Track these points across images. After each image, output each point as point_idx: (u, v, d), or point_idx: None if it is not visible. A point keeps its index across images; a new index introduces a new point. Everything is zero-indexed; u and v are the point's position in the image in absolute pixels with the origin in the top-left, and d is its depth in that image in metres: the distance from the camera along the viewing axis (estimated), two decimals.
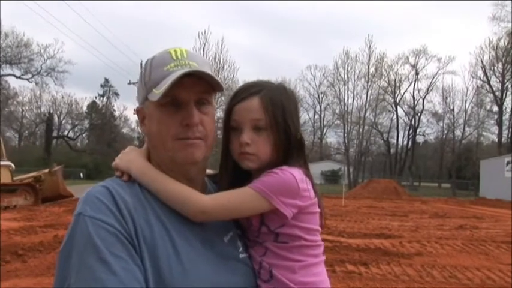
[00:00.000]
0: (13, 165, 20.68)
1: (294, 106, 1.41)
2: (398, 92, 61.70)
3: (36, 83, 59.16)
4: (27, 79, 57.45)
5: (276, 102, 1.35)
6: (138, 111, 1.38)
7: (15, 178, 20.42)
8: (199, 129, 1.27)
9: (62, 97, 65.85)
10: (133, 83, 46.46)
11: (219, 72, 45.65)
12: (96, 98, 72.99)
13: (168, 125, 1.26)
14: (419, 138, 66.31)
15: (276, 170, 1.30)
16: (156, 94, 1.22)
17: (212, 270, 1.23)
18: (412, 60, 61.09)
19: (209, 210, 1.26)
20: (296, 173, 1.30)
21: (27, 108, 66.19)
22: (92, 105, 71.40)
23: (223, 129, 1.40)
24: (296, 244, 1.32)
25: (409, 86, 61.87)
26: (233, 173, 1.40)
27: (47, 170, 21.06)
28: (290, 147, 1.36)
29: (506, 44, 51.89)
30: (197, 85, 1.25)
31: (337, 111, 62.25)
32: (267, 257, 1.33)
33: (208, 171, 1.52)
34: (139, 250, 1.14)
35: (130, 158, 1.34)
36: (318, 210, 1.38)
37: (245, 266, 1.34)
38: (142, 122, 1.36)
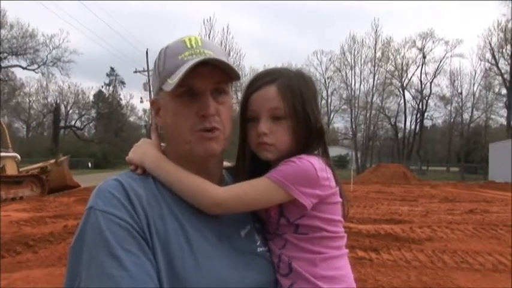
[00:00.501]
0: (19, 157, 20.75)
1: (313, 94, 1.35)
2: (405, 76, 61.41)
3: (43, 74, 59.33)
4: (34, 70, 57.60)
5: (294, 89, 1.30)
6: (152, 103, 1.33)
7: (21, 169, 20.46)
8: (216, 119, 1.22)
9: (69, 87, 66.26)
10: (139, 72, 46.60)
11: None
12: (102, 87, 73.38)
13: (184, 116, 1.21)
14: (427, 122, 66.11)
15: (293, 158, 1.25)
16: (170, 84, 1.18)
17: (228, 265, 1.19)
18: (419, 44, 60.64)
19: (224, 202, 1.20)
20: (315, 161, 1.25)
21: (34, 99, 66.55)
22: (99, 95, 71.66)
23: (240, 119, 1.35)
24: (317, 235, 1.26)
25: (416, 70, 61.57)
26: (251, 166, 1.35)
27: (53, 161, 20.99)
28: (310, 137, 1.31)
29: None
30: (213, 74, 1.20)
31: (344, 96, 62.14)
32: (287, 250, 1.28)
33: (226, 163, 1.47)
34: (151, 245, 1.11)
35: (143, 151, 1.30)
36: (339, 200, 1.32)
37: (263, 260, 1.29)
38: (157, 113, 1.31)
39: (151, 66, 43.75)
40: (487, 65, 55.80)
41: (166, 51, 1.26)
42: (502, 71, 53.46)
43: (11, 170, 19.39)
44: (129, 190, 1.15)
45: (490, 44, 54.04)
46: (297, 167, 1.23)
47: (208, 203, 1.20)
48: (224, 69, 1.21)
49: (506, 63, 53.38)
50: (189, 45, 1.24)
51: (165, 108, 1.26)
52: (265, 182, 1.23)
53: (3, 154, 19.33)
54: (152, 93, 1.36)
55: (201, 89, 1.21)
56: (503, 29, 52.34)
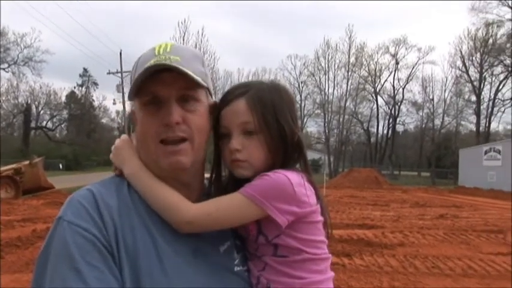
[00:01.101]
0: None
1: (289, 105, 1.28)
2: (378, 81, 62.03)
3: (13, 73, 58.13)
4: (4, 69, 56.35)
5: (265, 101, 1.23)
6: (132, 114, 1.29)
7: None
8: (182, 128, 1.16)
9: (40, 87, 64.85)
10: (113, 73, 45.99)
11: None
12: (75, 88, 72.35)
13: (149, 125, 1.17)
14: (399, 128, 66.85)
15: (269, 172, 1.18)
16: (130, 94, 1.15)
17: (201, 283, 1.14)
18: (392, 50, 61.34)
19: (195, 220, 1.15)
20: (292, 176, 1.18)
21: (4, 98, 64.75)
22: (71, 95, 70.56)
23: (213, 136, 1.29)
24: (297, 258, 1.19)
25: (389, 76, 62.17)
26: (231, 184, 1.28)
27: (27, 162, 20.73)
28: (287, 151, 1.24)
29: (484, 34, 52.46)
30: (177, 81, 1.15)
31: (317, 100, 62.44)
32: (266, 272, 1.22)
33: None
34: (118, 260, 1.07)
35: (123, 157, 1.26)
36: (320, 219, 1.24)
37: (240, 280, 1.24)
38: (136, 124, 1.27)
39: (124, 68, 43.45)
40: (458, 72, 56.97)
41: (139, 59, 1.24)
42: (472, 79, 54.62)
43: None
44: (99, 201, 1.12)
45: (461, 52, 55.19)
46: (271, 181, 1.16)
47: (179, 220, 1.15)
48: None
49: (476, 70, 54.54)
50: (156, 52, 1.20)
51: (136, 117, 1.23)
52: (237, 197, 1.17)
53: None
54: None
55: (164, 96, 1.16)
56: (473, 38, 53.54)
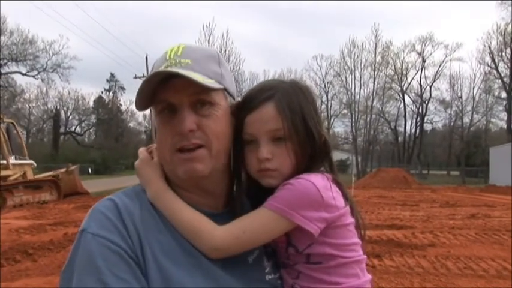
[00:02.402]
0: (35, 164, 22.27)
1: (313, 105, 1.23)
2: (405, 80, 61.33)
3: (43, 80, 59.39)
4: (33, 76, 57.63)
5: (294, 106, 1.17)
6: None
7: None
8: (197, 135, 1.11)
9: (69, 93, 66.31)
10: (139, 77, 46.51)
11: None
12: (102, 92, 73.74)
13: (165, 134, 1.14)
14: (427, 126, 66.05)
15: (291, 180, 1.13)
16: (137, 104, 1.14)
17: None
18: (418, 48, 60.61)
19: (222, 246, 1.11)
20: (317, 180, 1.13)
21: (34, 105, 66.47)
22: (99, 100, 71.85)
23: (233, 144, 1.22)
24: (332, 264, 1.15)
25: (416, 74, 61.43)
26: (253, 189, 1.24)
27: (64, 170, 22.34)
28: (314, 154, 1.20)
29: None
30: (190, 86, 1.09)
31: (344, 100, 62.05)
32: (301, 280, 1.18)
33: None
34: (145, 269, 1.05)
35: (147, 177, 1.21)
36: (351, 220, 1.20)
37: None
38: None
39: (150, 72, 43.93)
40: (487, 68, 55.90)
41: (155, 63, 1.22)
42: (502, 75, 53.52)
43: (30, 176, 20.80)
44: (123, 211, 1.10)
45: (490, 48, 54.14)
46: (296, 190, 1.11)
47: (206, 248, 1.11)
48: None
49: (506, 66, 53.44)
50: (167, 57, 1.17)
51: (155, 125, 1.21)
52: (264, 213, 1.12)
53: (22, 162, 21.14)
54: None
55: (177, 103, 1.12)
56: (503, 33, 52.40)
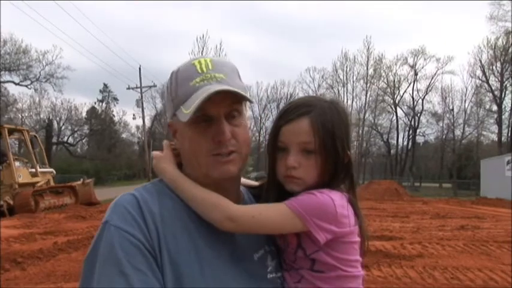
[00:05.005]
0: (54, 172, 25.26)
1: (346, 128, 1.33)
2: (397, 92, 61.62)
3: (35, 90, 58.98)
4: (26, 85, 57.22)
5: (327, 124, 1.28)
6: (170, 126, 1.36)
7: None
8: (232, 142, 1.25)
9: (62, 103, 65.81)
10: (132, 88, 46.62)
11: None
12: (95, 103, 73.54)
13: (201, 142, 1.24)
14: (419, 139, 66.15)
15: (314, 191, 1.25)
16: (185, 114, 1.20)
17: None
18: (410, 61, 60.97)
19: (237, 218, 1.21)
20: (336, 197, 1.24)
21: (26, 114, 65.87)
22: (92, 111, 71.59)
23: (269, 149, 1.35)
24: (332, 274, 1.26)
25: (408, 87, 61.72)
26: (279, 194, 1.33)
27: (80, 182, 24.76)
28: (337, 171, 1.30)
29: (504, 43, 51.91)
30: (226, 99, 1.22)
31: None
32: (302, 284, 1.28)
33: (249, 181, 1.50)
34: (161, 263, 1.14)
35: (162, 168, 1.33)
36: (357, 240, 1.30)
37: (272, 286, 1.30)
38: (174, 135, 1.35)
39: (144, 83, 43.95)
40: (478, 81, 56.42)
41: (178, 75, 1.28)
42: (493, 88, 54.02)
43: (52, 183, 23.70)
44: (143, 207, 1.19)
45: (481, 61, 54.65)
46: (316, 200, 1.22)
47: (222, 216, 1.21)
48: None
49: (497, 80, 53.95)
50: (199, 70, 1.25)
51: (181, 133, 1.29)
52: (282, 208, 1.23)
53: (45, 170, 24.07)
54: (167, 115, 1.38)
55: (215, 114, 1.23)
56: (493, 47, 52.98)
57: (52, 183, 23.72)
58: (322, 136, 1.26)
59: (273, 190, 1.36)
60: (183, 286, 1.13)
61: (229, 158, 1.24)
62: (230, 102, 1.23)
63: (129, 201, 1.20)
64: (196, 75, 1.24)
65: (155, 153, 1.41)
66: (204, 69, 1.25)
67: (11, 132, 22.93)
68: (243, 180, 1.47)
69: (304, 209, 1.21)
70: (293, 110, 1.31)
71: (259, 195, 1.43)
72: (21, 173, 21.66)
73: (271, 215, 1.22)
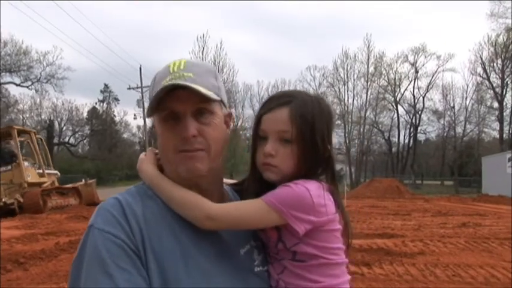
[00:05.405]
0: (59, 173, 26.03)
1: (327, 122, 1.33)
2: (398, 90, 61.52)
3: (36, 90, 59.02)
4: (27, 86, 57.27)
5: (306, 116, 1.28)
6: (153, 126, 1.39)
7: None
8: (199, 140, 1.25)
9: (62, 104, 65.87)
10: (133, 88, 46.61)
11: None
12: (96, 103, 73.45)
13: (169, 139, 1.27)
14: (421, 136, 66.15)
15: (289, 183, 1.26)
16: (149, 111, 1.27)
17: (224, 283, 1.22)
18: (411, 59, 60.84)
19: (216, 216, 1.22)
20: (312, 187, 1.24)
21: (27, 115, 65.94)
22: (93, 111, 71.61)
23: (252, 137, 1.39)
24: (314, 263, 1.26)
25: (409, 85, 61.62)
26: (260, 185, 1.34)
27: (83, 182, 25.52)
28: (315, 164, 1.31)
29: (505, 40, 51.84)
30: (192, 96, 1.23)
31: (337, 111, 61.94)
32: (284, 275, 1.29)
33: (230, 181, 1.51)
34: (145, 261, 1.16)
35: (142, 169, 1.35)
36: (338, 227, 1.30)
37: (259, 279, 1.32)
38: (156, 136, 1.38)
39: (144, 83, 44.01)
40: (479, 79, 56.30)
41: (156, 76, 1.33)
42: (494, 85, 53.91)
43: (56, 184, 24.46)
44: (126, 209, 1.21)
45: (481, 59, 54.54)
46: (292, 192, 1.23)
47: (200, 216, 1.22)
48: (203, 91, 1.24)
49: (498, 77, 53.85)
50: (171, 70, 1.29)
51: (157, 132, 1.33)
52: (258, 203, 1.24)
53: (50, 171, 24.82)
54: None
55: (181, 111, 1.25)
56: (494, 44, 52.91)
57: (57, 184, 24.39)
58: (300, 126, 1.27)
59: (254, 182, 1.38)
60: (169, 283, 1.15)
61: (194, 154, 1.25)
62: (197, 100, 1.24)
63: (112, 204, 1.23)
64: (167, 75, 1.28)
65: (140, 155, 1.43)
66: (175, 69, 1.28)
67: (18, 133, 23.43)
68: (225, 180, 1.49)
69: (281, 202, 1.21)
70: (274, 100, 1.33)
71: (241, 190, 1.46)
72: (30, 173, 22.32)
73: (249, 210, 1.24)
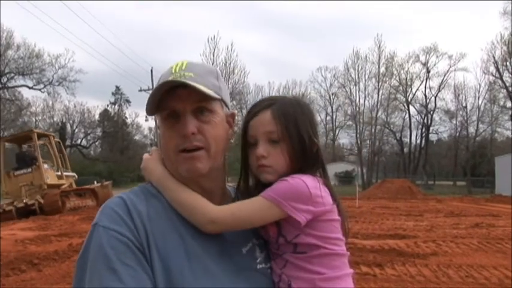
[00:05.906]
0: (76, 176, 26.86)
1: (309, 119, 1.39)
2: (409, 90, 61.33)
3: (49, 93, 59.79)
4: (40, 89, 57.98)
5: (288, 114, 1.35)
6: (159, 126, 1.41)
7: None
8: (198, 138, 1.27)
9: (74, 106, 66.62)
10: (144, 90, 46.80)
11: (229, 76, 45.78)
12: (108, 106, 73.91)
13: (170, 137, 1.28)
14: (433, 137, 65.82)
15: (286, 177, 1.29)
16: (148, 110, 1.29)
17: (227, 282, 1.23)
18: (422, 59, 60.69)
19: (218, 219, 1.25)
20: (308, 179, 1.28)
21: (40, 118, 66.80)
22: (104, 113, 72.10)
23: (241, 145, 1.41)
24: (315, 253, 1.28)
25: (420, 85, 61.43)
26: (256, 190, 1.37)
27: (99, 184, 26.32)
28: (306, 159, 1.35)
29: None
30: (192, 95, 1.25)
31: (348, 112, 62.10)
32: (287, 269, 1.31)
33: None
34: (150, 258, 1.17)
35: (149, 169, 1.37)
36: (336, 217, 1.34)
37: (262, 277, 1.33)
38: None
39: (156, 85, 44.20)
40: (491, 78, 55.72)
41: (161, 77, 1.35)
42: (507, 84, 53.26)
43: (74, 186, 25.28)
44: (130, 207, 1.23)
45: (494, 58, 53.90)
46: (289, 184, 1.27)
47: (203, 220, 1.25)
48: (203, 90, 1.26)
49: (511, 76, 53.26)
50: (173, 71, 1.31)
51: (160, 130, 1.35)
52: (259, 200, 1.27)
53: (68, 174, 25.52)
54: None
55: (181, 110, 1.27)
56: (506, 42, 52.35)
57: (74, 186, 25.26)
58: (285, 124, 1.33)
59: (248, 185, 1.43)
60: (173, 281, 1.16)
61: (194, 154, 1.26)
62: (197, 99, 1.26)
63: (117, 203, 1.25)
64: (169, 75, 1.30)
65: (144, 155, 1.44)
66: (177, 69, 1.31)
67: (38, 137, 24.19)
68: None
69: (280, 196, 1.25)
70: (257, 106, 1.39)
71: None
72: (49, 175, 23.04)
73: (251, 209, 1.27)
